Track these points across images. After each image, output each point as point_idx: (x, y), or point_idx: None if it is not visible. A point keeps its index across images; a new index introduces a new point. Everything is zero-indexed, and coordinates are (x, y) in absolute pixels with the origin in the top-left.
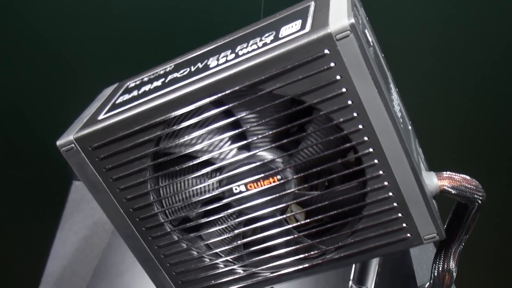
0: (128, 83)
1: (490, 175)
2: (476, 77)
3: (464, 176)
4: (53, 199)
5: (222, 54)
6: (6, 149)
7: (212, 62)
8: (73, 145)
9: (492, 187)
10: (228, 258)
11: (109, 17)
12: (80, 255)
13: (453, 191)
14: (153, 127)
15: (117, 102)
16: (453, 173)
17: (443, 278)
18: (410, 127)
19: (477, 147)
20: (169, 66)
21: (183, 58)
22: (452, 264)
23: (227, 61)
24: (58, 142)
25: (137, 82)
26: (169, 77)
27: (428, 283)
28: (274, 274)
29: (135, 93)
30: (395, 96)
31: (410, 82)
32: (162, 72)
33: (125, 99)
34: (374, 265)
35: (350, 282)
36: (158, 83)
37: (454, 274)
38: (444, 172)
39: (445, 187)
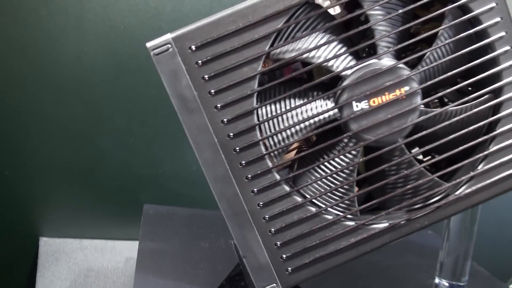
0: None
1: None
2: None
3: None
4: (20, 255)
5: None
6: None
7: None
8: (169, 45)
9: None
10: (332, 207)
11: None
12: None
13: None
14: (271, 20)
15: None
16: None
17: None
18: None
19: None
20: None
21: None
22: None
23: None
24: (149, 44)
25: None
26: None
27: None
28: (391, 223)
29: None
30: None
31: None
32: None
33: None
34: (467, 258)
35: (437, 279)
36: None
37: None
38: None
39: None
